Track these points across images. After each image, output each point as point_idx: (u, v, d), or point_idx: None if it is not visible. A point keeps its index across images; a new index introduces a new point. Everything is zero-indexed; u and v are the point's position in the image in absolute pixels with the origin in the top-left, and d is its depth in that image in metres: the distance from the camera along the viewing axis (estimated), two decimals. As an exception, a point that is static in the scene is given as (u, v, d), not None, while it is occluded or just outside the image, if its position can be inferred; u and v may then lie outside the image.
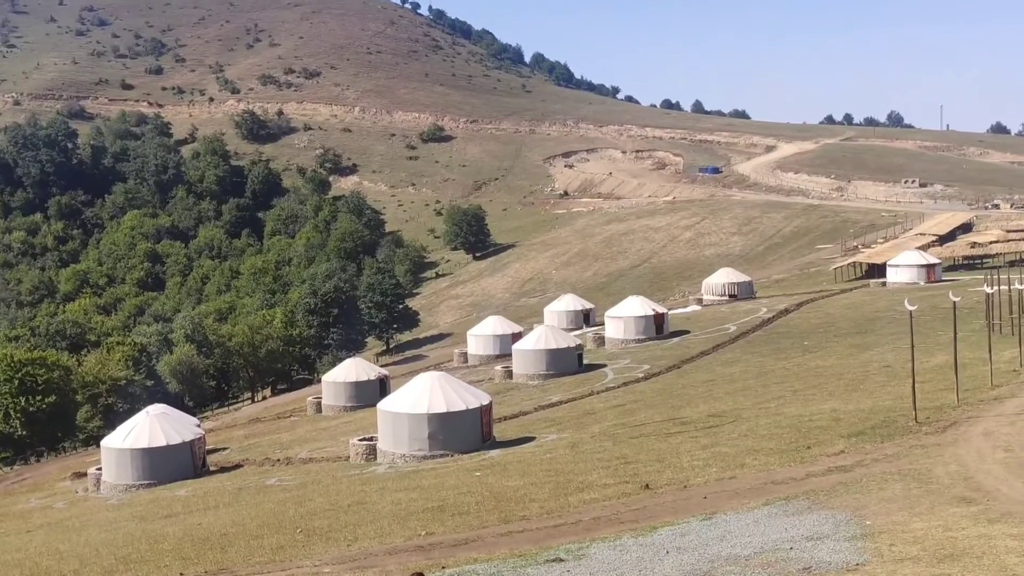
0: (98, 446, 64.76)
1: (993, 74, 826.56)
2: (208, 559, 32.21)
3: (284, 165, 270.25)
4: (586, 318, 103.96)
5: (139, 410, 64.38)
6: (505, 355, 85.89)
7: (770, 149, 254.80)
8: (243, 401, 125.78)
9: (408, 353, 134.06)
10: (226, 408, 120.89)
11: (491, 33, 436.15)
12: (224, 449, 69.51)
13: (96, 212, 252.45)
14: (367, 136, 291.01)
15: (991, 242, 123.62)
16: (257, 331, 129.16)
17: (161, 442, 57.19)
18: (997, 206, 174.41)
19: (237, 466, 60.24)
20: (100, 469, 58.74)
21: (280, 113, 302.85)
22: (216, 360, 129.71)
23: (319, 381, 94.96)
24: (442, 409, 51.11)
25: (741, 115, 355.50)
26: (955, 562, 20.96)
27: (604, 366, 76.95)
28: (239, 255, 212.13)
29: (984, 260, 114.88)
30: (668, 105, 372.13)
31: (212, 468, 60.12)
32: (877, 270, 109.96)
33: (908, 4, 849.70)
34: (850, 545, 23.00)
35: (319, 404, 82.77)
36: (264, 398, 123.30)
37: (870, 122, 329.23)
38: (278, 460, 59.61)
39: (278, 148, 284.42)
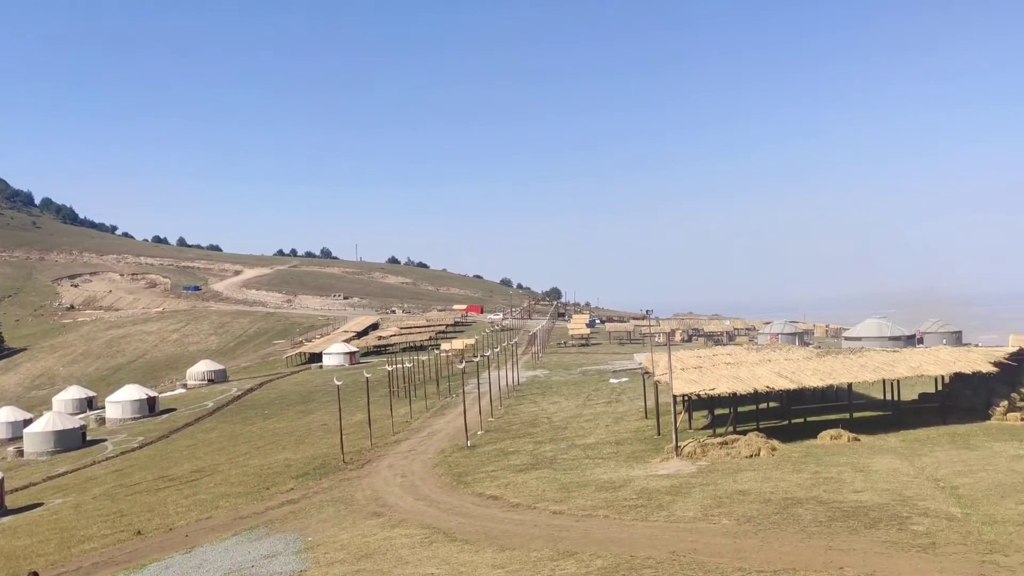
0: None
1: (379, 221, 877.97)
2: None
3: None
4: (90, 404, 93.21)
5: None
6: (17, 438, 74.25)
7: (238, 272, 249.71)
8: None
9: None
10: None
11: (4, 180, 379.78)
12: None
13: None
14: None
15: (391, 335, 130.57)
16: None
17: None
18: (394, 311, 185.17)
19: None
20: None
21: None
22: None
23: None
24: (-46, 488, 42.98)
25: (215, 248, 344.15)
26: (369, 559, 21.39)
27: (105, 440, 69.35)
28: None
29: (387, 348, 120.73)
30: (158, 240, 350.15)
31: None
32: (316, 357, 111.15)
33: (332, 172, 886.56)
34: (296, 557, 22.59)
35: None
36: None
37: (309, 254, 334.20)
38: None
39: None
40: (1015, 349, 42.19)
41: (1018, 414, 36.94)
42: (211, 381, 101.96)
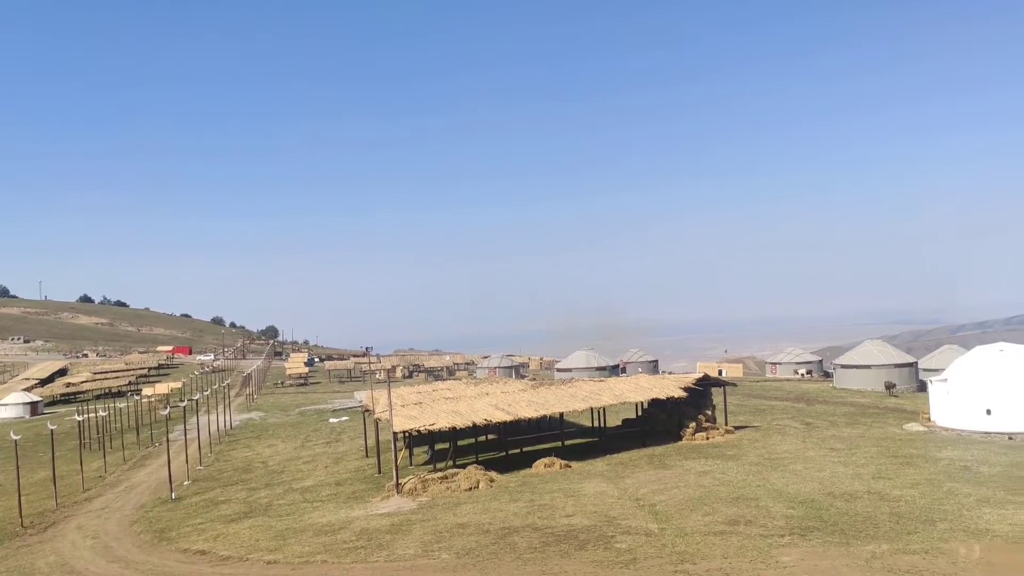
0: None
1: (68, 256, 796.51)
2: None
3: None
4: None
5: None
6: None
7: None
8: None
9: None
10: None
11: None
12: None
13: None
14: None
15: (83, 381, 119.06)
16: None
17: None
18: (87, 355, 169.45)
19: None
20: None
21: None
22: None
23: None
24: None
25: None
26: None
27: None
28: None
29: (78, 395, 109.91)
30: None
31: None
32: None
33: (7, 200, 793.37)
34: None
35: None
36: None
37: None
38: None
39: None
40: (701, 375, 47.32)
41: (704, 434, 41.35)
42: None
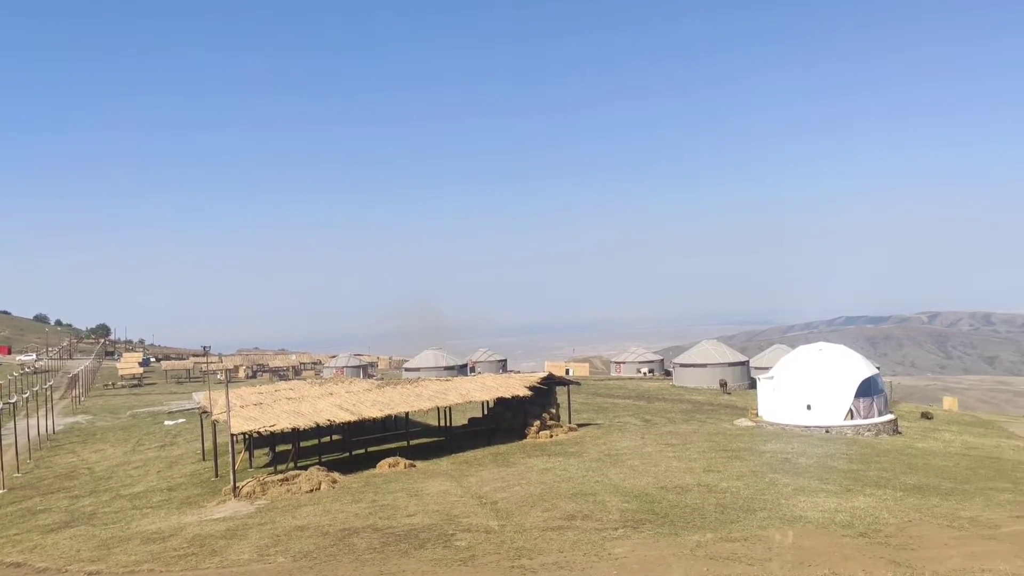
0: None
1: None
2: None
3: None
4: None
5: None
6: None
7: None
8: None
9: None
10: None
11: None
12: None
13: None
14: None
15: None
16: None
17: None
18: None
19: None
20: None
21: None
22: None
23: None
24: None
25: None
26: None
27: None
28: None
29: None
30: None
31: None
32: None
33: None
34: None
35: None
36: None
37: None
38: None
39: None
40: (546, 374, 48.44)
41: (548, 432, 42.35)
42: None
